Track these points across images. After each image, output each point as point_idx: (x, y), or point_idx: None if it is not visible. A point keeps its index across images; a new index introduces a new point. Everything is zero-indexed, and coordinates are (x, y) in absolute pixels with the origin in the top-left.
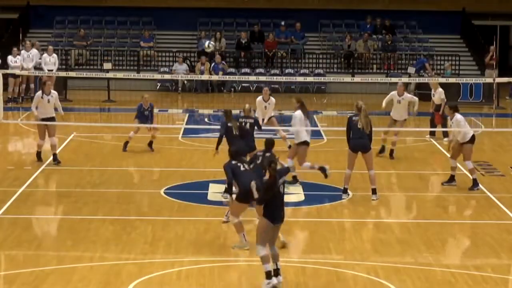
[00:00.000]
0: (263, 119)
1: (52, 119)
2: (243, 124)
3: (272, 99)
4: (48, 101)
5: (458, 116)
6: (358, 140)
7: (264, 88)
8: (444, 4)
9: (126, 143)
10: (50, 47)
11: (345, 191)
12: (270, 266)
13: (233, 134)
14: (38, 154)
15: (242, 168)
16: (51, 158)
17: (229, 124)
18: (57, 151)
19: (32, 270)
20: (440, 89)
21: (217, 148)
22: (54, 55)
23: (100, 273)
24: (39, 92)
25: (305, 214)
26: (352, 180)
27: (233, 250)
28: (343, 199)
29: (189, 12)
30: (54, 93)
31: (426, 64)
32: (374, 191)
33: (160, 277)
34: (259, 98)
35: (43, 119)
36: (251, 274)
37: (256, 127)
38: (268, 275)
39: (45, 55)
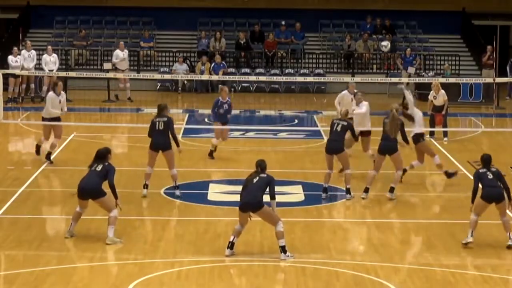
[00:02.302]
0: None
1: (57, 119)
2: (336, 125)
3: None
4: (60, 102)
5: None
6: (386, 143)
7: (351, 84)
8: (444, 4)
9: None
10: (49, 47)
11: (366, 190)
12: (233, 238)
13: (155, 128)
14: (38, 148)
15: (92, 168)
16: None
17: (153, 120)
18: (55, 152)
19: (32, 270)
20: (442, 91)
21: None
22: (54, 55)
23: (100, 273)
24: (52, 93)
25: (305, 214)
26: (352, 181)
27: (233, 250)
28: (362, 197)
29: (189, 12)
30: (63, 93)
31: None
32: (391, 189)
33: (160, 277)
34: (344, 92)
35: (49, 119)
36: (251, 274)
37: (350, 131)
38: (228, 245)
39: (45, 55)
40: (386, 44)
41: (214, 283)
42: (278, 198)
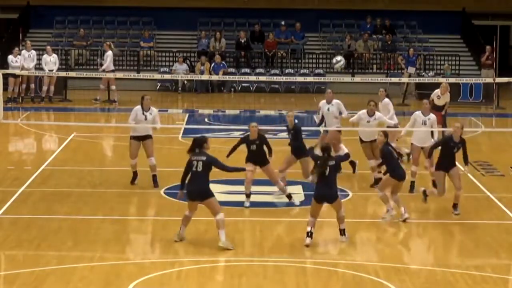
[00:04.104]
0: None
1: (147, 137)
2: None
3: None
4: (146, 118)
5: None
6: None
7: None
8: (444, 4)
9: None
10: (48, 47)
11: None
12: (310, 229)
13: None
14: (135, 176)
15: (194, 169)
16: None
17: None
18: (155, 172)
19: (32, 270)
20: (448, 93)
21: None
22: (54, 55)
23: (100, 273)
24: (138, 107)
25: (305, 214)
26: (352, 180)
27: (233, 250)
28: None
29: (189, 12)
30: (154, 110)
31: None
32: (455, 206)
33: (160, 277)
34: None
35: (137, 137)
36: (251, 274)
37: None
38: (307, 234)
39: (45, 55)
40: (339, 62)
41: (214, 283)
42: (278, 198)
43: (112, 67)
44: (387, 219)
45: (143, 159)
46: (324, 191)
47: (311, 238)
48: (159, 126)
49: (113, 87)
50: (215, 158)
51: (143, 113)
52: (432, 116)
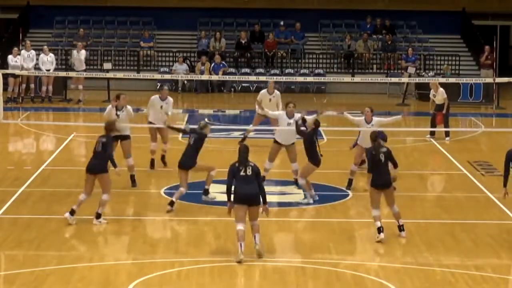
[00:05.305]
0: None
1: (124, 137)
2: None
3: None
4: (118, 117)
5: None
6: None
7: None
8: (444, 4)
9: None
10: (45, 47)
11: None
12: (380, 223)
13: None
14: (152, 161)
15: (242, 173)
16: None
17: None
18: (133, 172)
19: (32, 270)
20: (441, 89)
21: None
22: (52, 54)
23: (100, 273)
24: (110, 106)
25: (305, 214)
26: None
27: (233, 250)
28: None
29: (189, 12)
30: (128, 108)
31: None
32: None
33: (160, 277)
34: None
35: (113, 137)
36: (251, 274)
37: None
38: (378, 230)
39: (41, 55)
40: None
41: (214, 283)
42: (278, 198)
43: (84, 67)
44: (302, 205)
45: (138, 159)
46: (383, 178)
47: (383, 232)
48: (128, 125)
49: (80, 87)
50: (260, 171)
51: (116, 112)
52: (375, 119)
